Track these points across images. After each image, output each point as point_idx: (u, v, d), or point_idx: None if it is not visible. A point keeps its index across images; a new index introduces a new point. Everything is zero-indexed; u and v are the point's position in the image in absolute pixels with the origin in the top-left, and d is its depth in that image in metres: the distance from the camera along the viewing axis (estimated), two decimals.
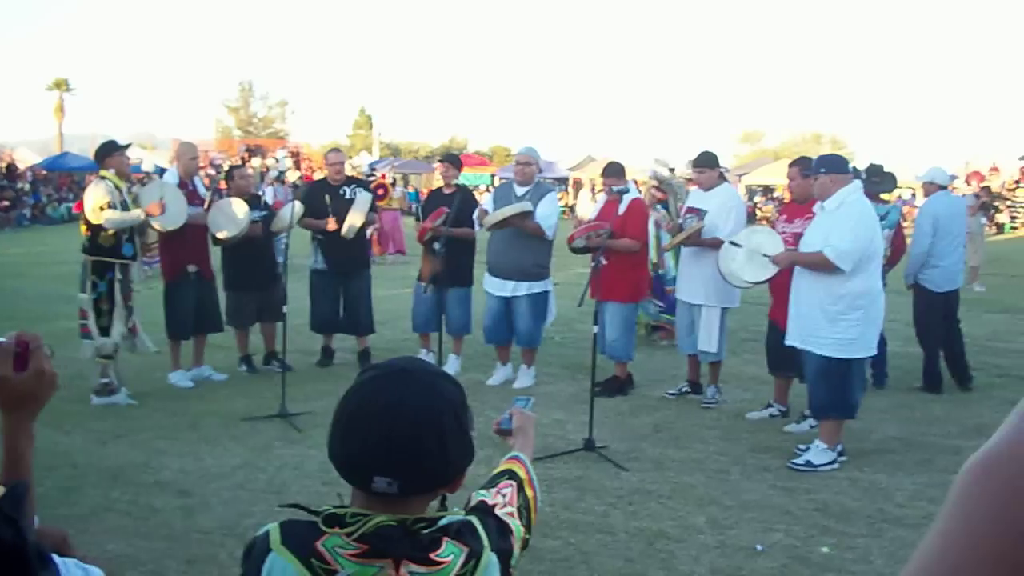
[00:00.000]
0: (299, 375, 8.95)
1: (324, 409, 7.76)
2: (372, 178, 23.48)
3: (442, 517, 1.76)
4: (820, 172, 6.62)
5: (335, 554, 1.67)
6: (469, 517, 1.85)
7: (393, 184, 27.09)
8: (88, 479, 6.16)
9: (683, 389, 8.68)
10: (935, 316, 9.20)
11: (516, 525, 2.01)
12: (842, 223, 6.41)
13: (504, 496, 2.07)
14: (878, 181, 8.96)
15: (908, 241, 9.50)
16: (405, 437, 1.67)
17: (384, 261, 19.72)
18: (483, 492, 2.08)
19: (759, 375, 9.08)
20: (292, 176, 37.40)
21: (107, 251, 7.92)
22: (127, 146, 8.44)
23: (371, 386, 1.76)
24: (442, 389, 1.77)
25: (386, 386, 1.74)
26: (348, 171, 10.68)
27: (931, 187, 9.39)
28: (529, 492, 2.17)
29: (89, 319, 7.94)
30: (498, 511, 1.99)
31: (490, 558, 1.78)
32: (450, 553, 1.71)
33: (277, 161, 43.05)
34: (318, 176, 30.98)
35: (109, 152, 8.14)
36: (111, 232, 7.88)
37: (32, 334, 1.72)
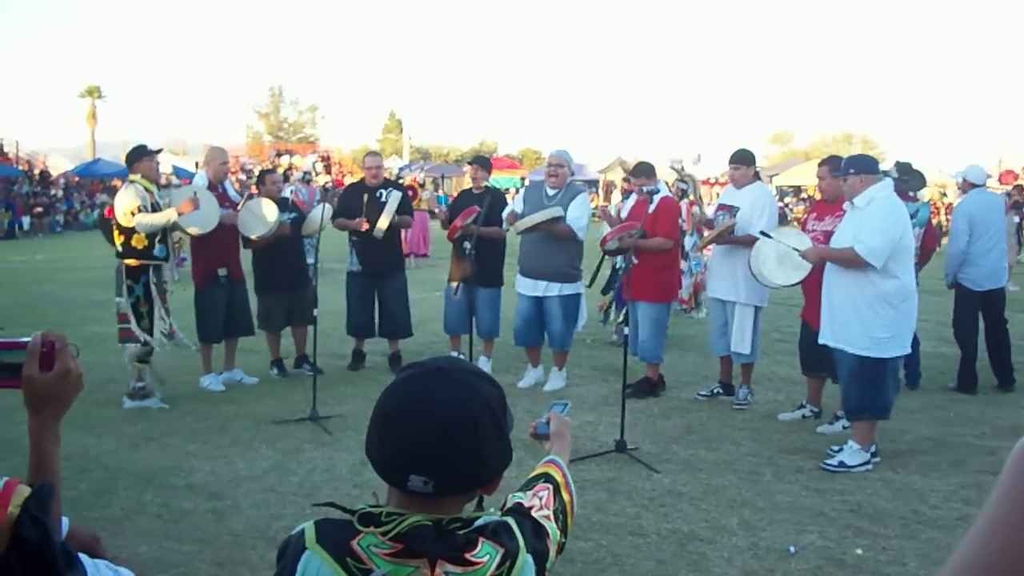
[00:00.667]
0: (330, 378, 8.96)
1: (354, 412, 7.78)
2: (401, 181, 23.56)
3: (478, 518, 1.75)
4: (850, 173, 6.57)
5: (370, 553, 1.66)
6: (505, 518, 1.83)
7: (422, 186, 27.06)
8: (120, 482, 6.19)
9: (715, 390, 8.64)
10: (973, 315, 9.15)
11: (552, 528, 1.99)
12: (871, 220, 6.35)
13: (540, 499, 2.05)
14: (907, 179, 8.89)
15: (943, 240, 9.46)
16: (440, 436, 1.66)
17: (408, 266, 19.73)
18: (519, 494, 2.07)
19: (791, 376, 9.04)
20: (322, 180, 37.58)
21: (140, 253, 7.95)
22: (157, 151, 8.47)
23: (408, 384, 1.75)
24: (480, 389, 1.75)
25: (423, 385, 1.74)
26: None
27: (967, 185, 9.34)
28: (565, 496, 2.15)
29: (131, 322, 7.97)
30: (534, 513, 1.98)
31: (526, 560, 1.77)
32: (486, 554, 1.70)
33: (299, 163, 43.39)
34: (348, 180, 31.05)
35: (139, 157, 8.17)
36: (143, 234, 7.92)
37: (58, 334, 1.71)
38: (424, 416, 1.68)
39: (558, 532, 2.02)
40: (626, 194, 11.51)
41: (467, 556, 1.68)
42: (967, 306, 9.18)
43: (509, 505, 2.00)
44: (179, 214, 8.04)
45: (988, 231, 9.01)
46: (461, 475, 1.70)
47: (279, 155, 48.09)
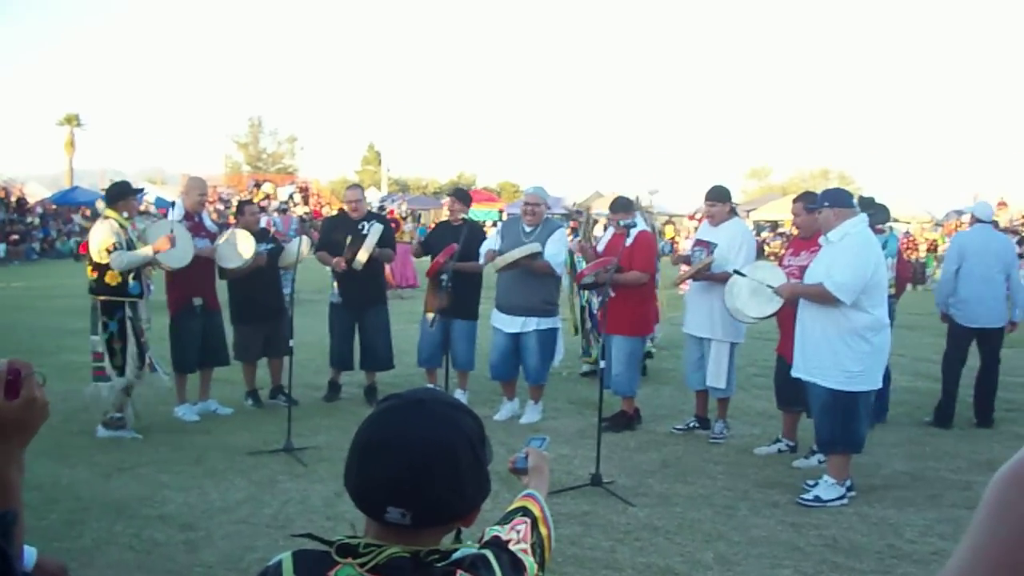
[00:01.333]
0: (305, 409, 8.92)
1: (329, 444, 7.75)
2: (384, 212, 23.57)
3: (456, 550, 1.74)
4: (824, 206, 6.62)
5: None
6: (483, 551, 1.82)
7: (404, 219, 27.05)
8: (91, 512, 6.12)
9: (691, 424, 8.64)
10: (960, 350, 9.22)
11: (529, 562, 1.98)
12: (843, 255, 6.40)
13: (518, 532, 2.05)
14: (872, 213, 8.97)
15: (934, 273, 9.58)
16: (419, 469, 1.66)
17: (395, 296, 19.72)
18: (497, 528, 2.06)
19: (767, 410, 9.06)
20: (300, 210, 37.51)
21: (114, 290, 7.91)
22: (140, 190, 8.45)
23: (388, 416, 1.74)
24: (459, 422, 1.75)
25: (402, 417, 1.73)
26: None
27: (973, 221, 9.52)
28: (543, 530, 2.15)
29: (104, 360, 7.92)
30: (512, 547, 1.97)
31: None
32: None
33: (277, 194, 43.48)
34: (327, 211, 30.95)
35: (123, 195, 8.15)
36: (118, 271, 7.88)
37: (24, 362, 1.69)
38: (403, 449, 1.67)
39: (535, 566, 2.02)
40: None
41: None
42: (954, 340, 9.25)
43: (487, 538, 1.99)
44: (155, 251, 8.03)
45: (979, 266, 9.00)
46: (439, 508, 1.69)
47: (257, 185, 48.07)
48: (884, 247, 8.17)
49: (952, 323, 9.24)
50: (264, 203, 32.46)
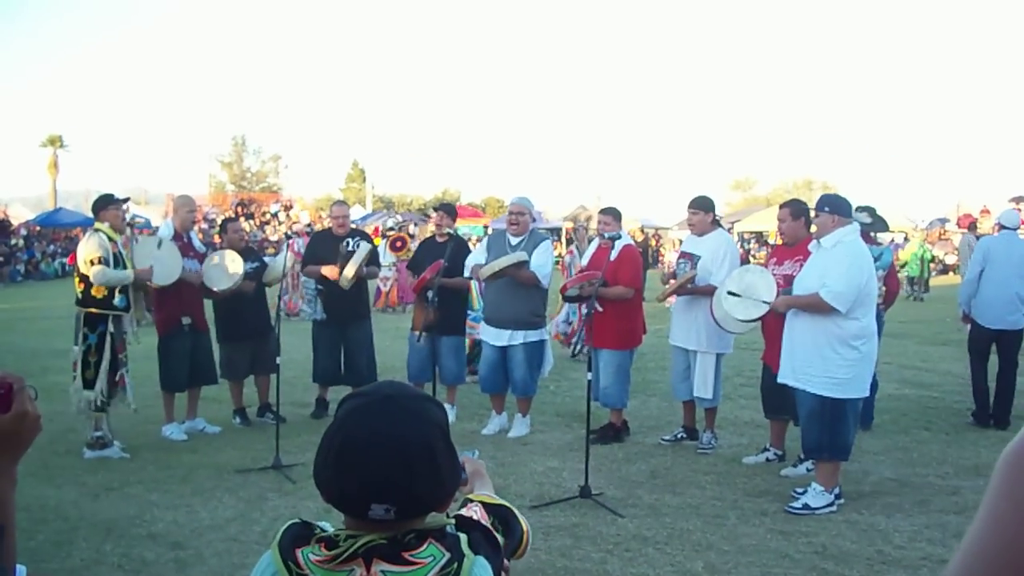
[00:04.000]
0: (293, 427, 8.91)
1: None
2: (392, 231, 23.62)
3: (434, 527, 1.76)
4: (823, 211, 6.66)
5: (307, 561, 1.70)
6: (454, 527, 1.83)
7: (412, 236, 26.94)
8: (80, 532, 6.10)
9: (678, 435, 8.65)
10: (980, 350, 9.58)
11: (499, 535, 1.98)
12: (837, 264, 6.43)
13: (475, 512, 2.05)
14: (870, 223, 9.02)
15: (901, 282, 9.69)
16: (401, 467, 1.68)
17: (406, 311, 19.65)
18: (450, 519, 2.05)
19: (755, 419, 9.08)
20: (283, 229, 37.53)
21: (99, 303, 7.91)
22: (124, 200, 8.46)
23: (360, 416, 1.74)
24: (429, 413, 1.77)
25: (376, 415, 1.73)
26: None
27: (998, 228, 9.87)
28: (493, 503, 2.16)
29: (77, 370, 7.92)
30: (477, 520, 1.98)
31: (475, 560, 1.75)
32: (429, 555, 1.70)
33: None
34: (316, 228, 31.01)
35: (104, 205, 8.16)
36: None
37: (15, 375, 1.69)
38: (383, 448, 1.68)
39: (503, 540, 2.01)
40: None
41: (405, 555, 1.68)
42: (975, 341, 9.61)
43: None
44: (137, 275, 8.05)
45: (1001, 271, 9.31)
46: (422, 499, 1.72)
47: (241, 204, 48.04)
48: (879, 259, 8.26)
49: (973, 324, 9.58)
50: (296, 226, 32.58)
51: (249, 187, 67.99)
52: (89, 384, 7.91)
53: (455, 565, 1.71)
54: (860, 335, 6.46)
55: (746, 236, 46.33)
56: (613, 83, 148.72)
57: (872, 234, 8.97)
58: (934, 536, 6.02)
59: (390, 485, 1.67)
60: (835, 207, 6.67)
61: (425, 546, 1.70)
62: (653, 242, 34.48)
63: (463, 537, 1.80)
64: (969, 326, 9.67)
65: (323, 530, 1.76)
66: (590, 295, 7.89)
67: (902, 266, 24.87)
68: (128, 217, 8.68)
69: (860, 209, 8.84)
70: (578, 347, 10.76)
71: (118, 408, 8.28)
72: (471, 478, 2.32)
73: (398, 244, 20.06)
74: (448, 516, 1.94)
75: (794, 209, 7.71)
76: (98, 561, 5.61)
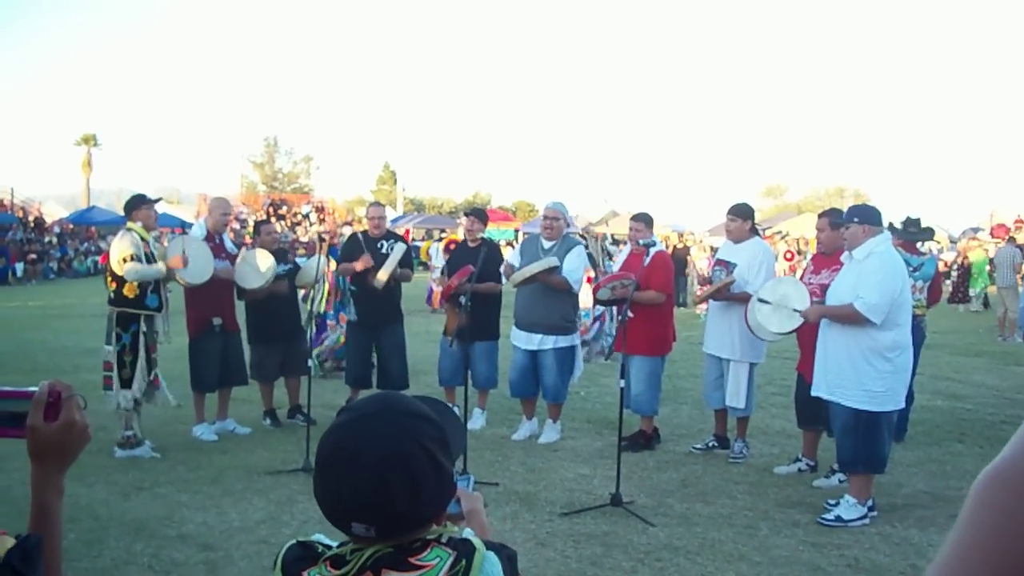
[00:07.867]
0: (323, 428, 8.81)
1: None
2: (444, 235, 23.69)
3: (440, 535, 1.74)
4: (853, 221, 6.59)
5: None
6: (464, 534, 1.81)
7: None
8: (110, 532, 6.12)
9: (710, 443, 8.59)
10: None
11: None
12: (871, 275, 6.35)
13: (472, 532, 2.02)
14: (915, 232, 8.98)
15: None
16: (375, 486, 1.65)
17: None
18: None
19: (787, 429, 9.00)
20: (315, 229, 37.63)
21: (131, 302, 7.94)
22: (156, 200, 8.50)
23: (340, 434, 1.73)
24: (414, 430, 1.72)
25: (356, 432, 1.72)
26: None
27: None
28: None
29: (112, 371, 7.95)
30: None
31: (486, 555, 1.72)
32: (435, 557, 1.68)
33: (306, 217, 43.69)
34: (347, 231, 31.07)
35: (137, 205, 8.20)
36: (135, 283, 7.91)
37: (64, 384, 1.68)
38: (358, 467, 1.66)
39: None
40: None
41: (412, 560, 1.67)
42: None
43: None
44: (169, 268, 8.06)
45: None
46: (402, 520, 1.69)
47: (272, 205, 48.21)
48: (920, 268, 8.20)
49: None
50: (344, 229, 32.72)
51: (281, 188, 68.23)
52: (126, 383, 7.95)
53: (464, 562, 1.69)
54: (894, 347, 6.39)
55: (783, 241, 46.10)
56: (647, 88, 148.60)
57: (918, 244, 8.93)
58: None
59: (367, 504, 1.66)
60: (865, 217, 6.60)
61: (430, 550, 1.69)
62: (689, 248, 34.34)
63: (469, 531, 1.80)
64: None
65: (323, 545, 1.75)
66: (623, 297, 7.86)
67: (975, 279, 23.72)
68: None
69: (906, 221, 8.81)
70: (609, 350, 10.75)
71: (151, 407, 8.32)
72: (468, 516, 2.11)
73: (451, 247, 20.18)
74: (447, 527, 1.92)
75: (833, 218, 7.63)
76: (128, 561, 5.63)
